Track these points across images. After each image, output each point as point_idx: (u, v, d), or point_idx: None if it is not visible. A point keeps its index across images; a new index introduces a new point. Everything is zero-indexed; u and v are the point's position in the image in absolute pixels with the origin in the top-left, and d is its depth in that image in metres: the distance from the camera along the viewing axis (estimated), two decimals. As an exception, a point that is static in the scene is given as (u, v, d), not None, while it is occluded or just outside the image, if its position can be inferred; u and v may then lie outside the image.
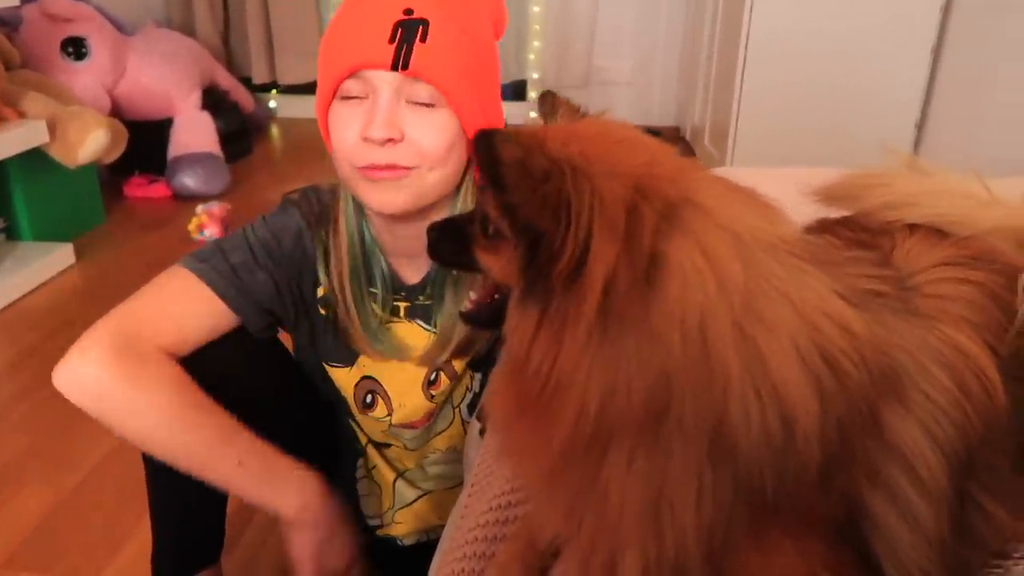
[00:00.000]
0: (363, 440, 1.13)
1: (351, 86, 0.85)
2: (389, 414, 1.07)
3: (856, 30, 2.66)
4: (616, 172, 0.49)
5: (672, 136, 4.07)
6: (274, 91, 4.27)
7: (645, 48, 4.05)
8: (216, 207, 2.80)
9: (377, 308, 1.01)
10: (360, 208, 0.97)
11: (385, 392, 1.06)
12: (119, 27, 3.15)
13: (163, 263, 0.96)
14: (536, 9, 3.93)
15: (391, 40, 0.82)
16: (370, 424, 1.10)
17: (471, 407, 1.09)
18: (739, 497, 0.47)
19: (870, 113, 2.71)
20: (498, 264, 0.55)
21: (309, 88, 4.18)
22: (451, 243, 0.64)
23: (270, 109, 4.25)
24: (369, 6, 0.85)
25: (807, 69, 2.71)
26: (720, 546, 0.48)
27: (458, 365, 1.05)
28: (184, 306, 0.93)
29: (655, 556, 0.49)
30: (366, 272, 0.99)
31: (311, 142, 3.93)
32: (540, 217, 0.48)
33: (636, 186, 0.48)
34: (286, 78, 4.10)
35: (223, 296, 0.93)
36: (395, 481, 1.13)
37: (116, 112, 3.03)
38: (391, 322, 1.03)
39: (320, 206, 1.00)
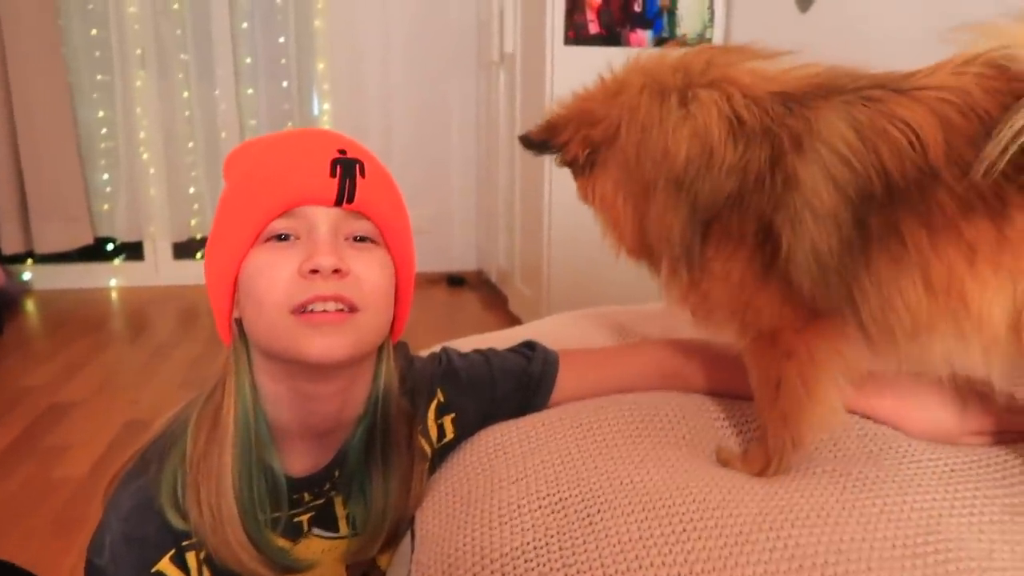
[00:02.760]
0: None
1: (282, 225, 0.76)
2: None
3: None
4: None
5: (476, 280, 4.10)
6: (29, 261, 3.76)
7: (441, 198, 4.14)
8: (-40, 403, 2.30)
9: (271, 533, 0.80)
10: (256, 393, 0.80)
11: None
12: None
13: None
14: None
15: (332, 175, 0.77)
16: None
17: None
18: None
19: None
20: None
21: (71, 256, 3.75)
22: None
23: (24, 282, 3.72)
24: (300, 146, 0.80)
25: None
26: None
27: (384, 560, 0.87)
28: None
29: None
30: (264, 481, 0.79)
31: (75, 316, 3.51)
32: None
33: None
34: (45, 246, 3.63)
35: None
36: None
37: None
38: (294, 545, 0.82)
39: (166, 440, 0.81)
